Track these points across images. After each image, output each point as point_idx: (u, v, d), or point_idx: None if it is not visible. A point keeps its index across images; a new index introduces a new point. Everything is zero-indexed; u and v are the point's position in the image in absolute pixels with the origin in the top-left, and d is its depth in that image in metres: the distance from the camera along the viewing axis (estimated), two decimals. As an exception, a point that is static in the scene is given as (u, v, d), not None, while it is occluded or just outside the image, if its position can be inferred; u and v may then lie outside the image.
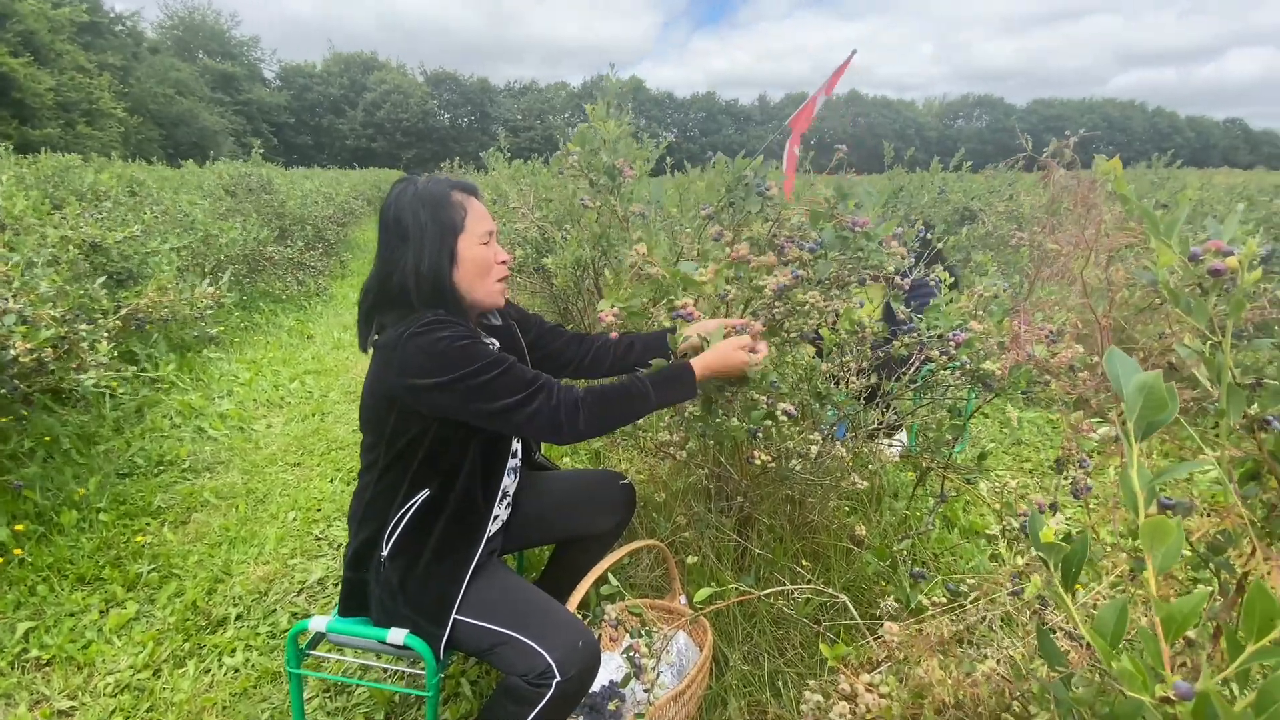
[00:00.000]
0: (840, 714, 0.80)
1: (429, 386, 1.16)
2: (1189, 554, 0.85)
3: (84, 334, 2.51)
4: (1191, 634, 0.75)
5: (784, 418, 1.47)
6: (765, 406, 1.54)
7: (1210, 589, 0.74)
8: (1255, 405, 0.82)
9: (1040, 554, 0.59)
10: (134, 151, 24.40)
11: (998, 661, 0.83)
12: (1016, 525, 1.14)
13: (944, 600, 1.17)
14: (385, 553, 1.27)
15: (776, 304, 1.60)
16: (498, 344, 1.46)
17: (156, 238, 4.42)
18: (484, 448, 1.30)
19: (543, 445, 1.63)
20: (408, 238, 1.24)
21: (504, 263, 1.34)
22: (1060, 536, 0.81)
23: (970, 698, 0.77)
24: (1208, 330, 0.79)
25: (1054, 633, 0.69)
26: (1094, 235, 0.87)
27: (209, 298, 3.40)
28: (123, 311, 2.98)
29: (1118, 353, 0.58)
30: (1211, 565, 0.90)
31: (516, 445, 1.47)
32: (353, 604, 1.33)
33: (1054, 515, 1.00)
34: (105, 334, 2.62)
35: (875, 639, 0.94)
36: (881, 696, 0.80)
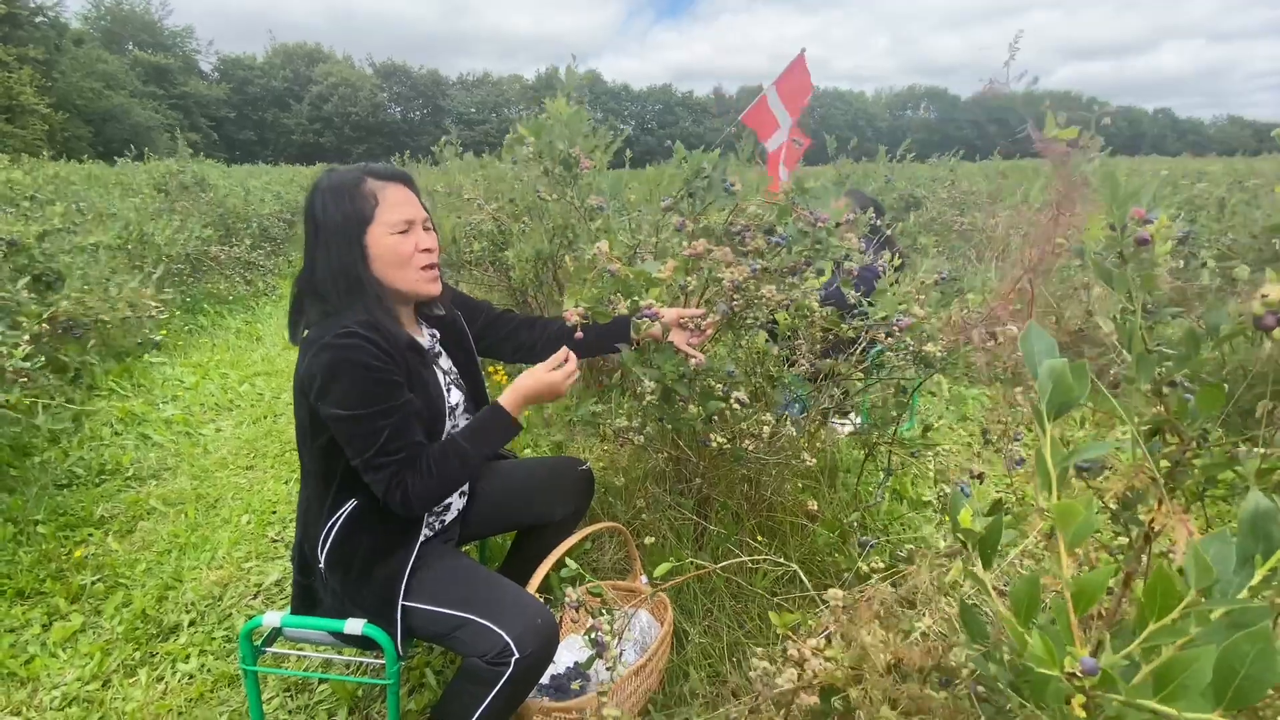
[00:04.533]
0: (788, 679, 0.84)
1: (315, 399, 1.16)
2: (1102, 513, 0.92)
3: (2, 337, 2.39)
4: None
5: (736, 406, 1.52)
6: (720, 394, 1.58)
7: (1117, 564, 0.79)
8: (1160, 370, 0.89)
9: (960, 537, 0.62)
10: (62, 150, 23.06)
11: (934, 622, 0.89)
12: (949, 492, 1.20)
13: (886, 566, 1.23)
14: (321, 563, 1.26)
15: (735, 296, 1.63)
16: (439, 334, 1.45)
17: (82, 235, 4.21)
18: None
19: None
20: (320, 231, 1.21)
21: (428, 250, 1.27)
22: (988, 504, 0.86)
23: (908, 659, 0.81)
24: (1125, 299, 0.84)
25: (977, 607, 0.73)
26: (1055, 215, 0.91)
27: (143, 297, 3.25)
28: (45, 314, 2.84)
29: (1035, 330, 0.59)
30: (1122, 520, 0.97)
31: None
32: (304, 608, 1.33)
33: (980, 484, 1.06)
34: (26, 337, 2.50)
35: (822, 606, 0.99)
36: (827, 660, 0.84)
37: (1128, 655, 0.46)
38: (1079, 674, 0.45)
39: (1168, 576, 0.44)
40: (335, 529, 1.24)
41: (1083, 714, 0.44)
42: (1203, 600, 0.43)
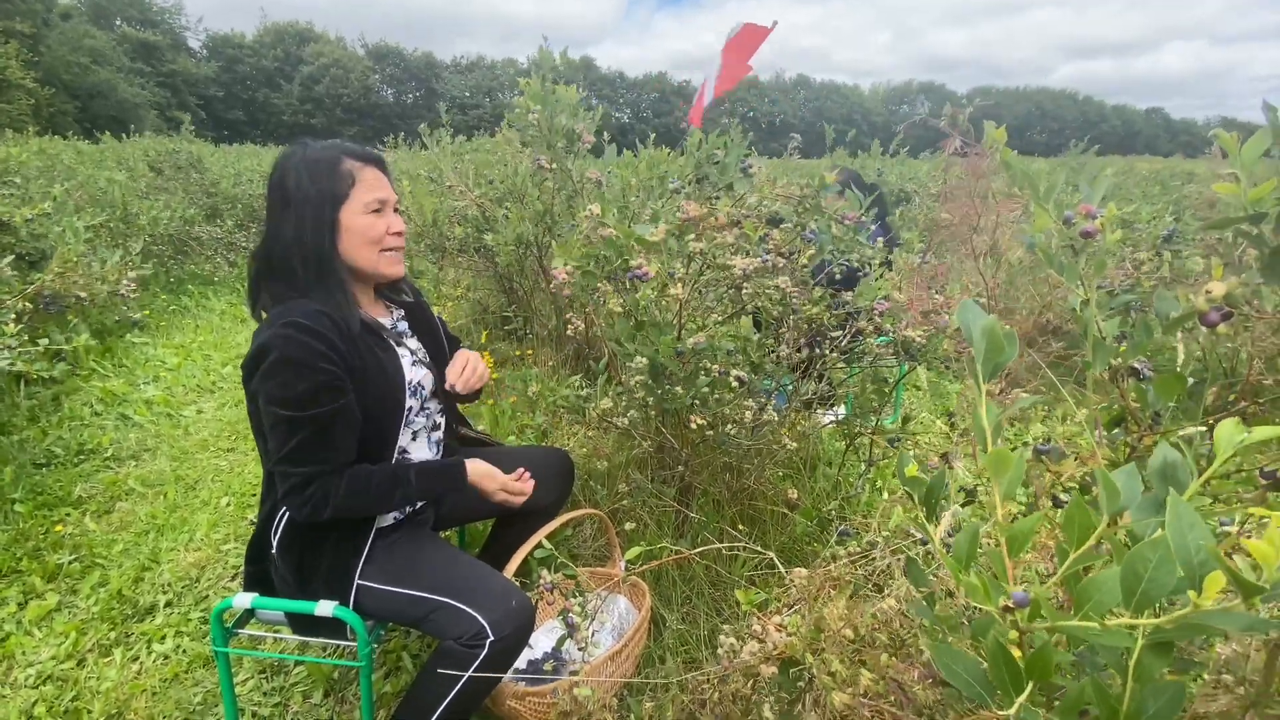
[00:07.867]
0: (751, 652, 0.85)
1: (248, 383, 1.15)
2: (1063, 494, 0.93)
3: (-11, 315, 2.36)
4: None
5: (735, 384, 1.52)
6: (716, 374, 1.58)
7: (1046, 511, 0.82)
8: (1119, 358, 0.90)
9: (906, 487, 0.65)
10: (47, 126, 22.68)
11: (896, 600, 0.90)
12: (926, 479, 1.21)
13: (860, 551, 1.24)
14: (274, 548, 1.26)
15: (744, 284, 1.61)
16: (403, 311, 1.43)
17: (70, 215, 4.15)
18: (366, 438, 1.24)
19: (472, 419, 1.62)
20: (290, 204, 1.20)
21: (397, 234, 1.29)
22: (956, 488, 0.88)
23: (868, 631, 0.83)
24: (1077, 288, 0.86)
25: (928, 565, 0.75)
26: (982, 202, 0.93)
27: (120, 272, 3.21)
28: (28, 290, 2.80)
29: (969, 304, 0.63)
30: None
31: (440, 419, 1.46)
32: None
33: (948, 465, 1.08)
34: (12, 315, 2.47)
35: (790, 584, 1.00)
36: (789, 635, 0.86)
37: (1053, 587, 0.48)
38: (1012, 606, 0.47)
39: (1084, 507, 0.47)
40: (288, 513, 1.24)
41: (1019, 652, 0.46)
42: (1116, 524, 0.46)
